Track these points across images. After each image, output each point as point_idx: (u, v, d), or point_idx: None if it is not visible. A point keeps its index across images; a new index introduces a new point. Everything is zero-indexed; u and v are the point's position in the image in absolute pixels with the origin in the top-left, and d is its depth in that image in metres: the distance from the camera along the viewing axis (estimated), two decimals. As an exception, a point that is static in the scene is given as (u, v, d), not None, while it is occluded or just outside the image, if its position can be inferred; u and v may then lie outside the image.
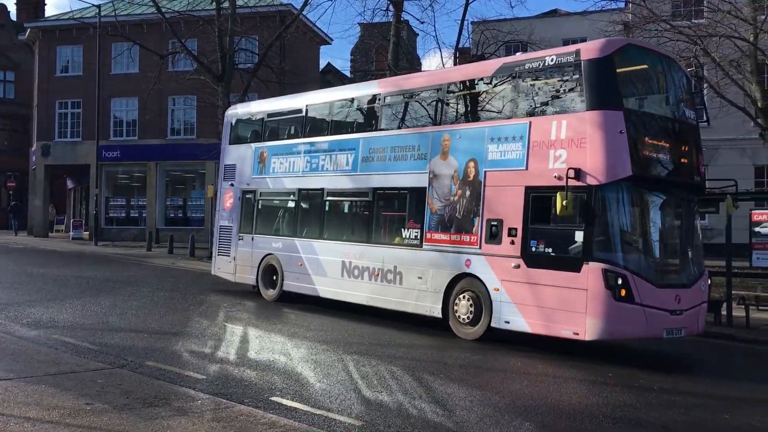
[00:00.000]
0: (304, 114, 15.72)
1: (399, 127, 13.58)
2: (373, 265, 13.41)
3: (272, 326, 12.71)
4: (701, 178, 11.40)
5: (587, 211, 10.21)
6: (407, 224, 12.97)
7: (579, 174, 10.20)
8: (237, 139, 17.75)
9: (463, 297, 11.76)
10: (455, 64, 23.34)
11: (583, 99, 10.42)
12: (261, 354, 10.29)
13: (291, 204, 15.85)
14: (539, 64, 11.15)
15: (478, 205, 11.69)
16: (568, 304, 10.22)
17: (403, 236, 12.97)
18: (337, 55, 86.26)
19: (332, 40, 40.52)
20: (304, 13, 30.01)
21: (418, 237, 12.65)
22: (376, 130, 13.92)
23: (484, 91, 12.11)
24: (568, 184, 10.14)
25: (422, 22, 68.14)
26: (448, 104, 12.67)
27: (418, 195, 12.82)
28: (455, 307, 11.88)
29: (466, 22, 27.35)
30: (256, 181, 16.62)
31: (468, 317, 11.66)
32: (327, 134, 15.03)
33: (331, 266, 14.30)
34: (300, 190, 15.44)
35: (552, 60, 10.96)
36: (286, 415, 6.90)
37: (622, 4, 24.12)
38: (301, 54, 36.92)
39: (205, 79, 28.16)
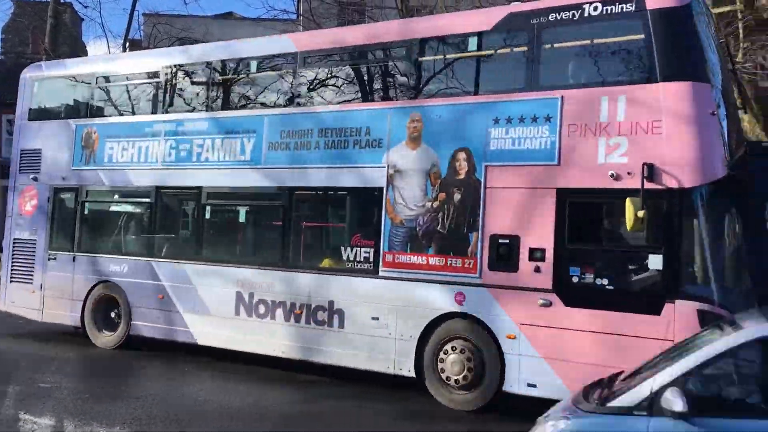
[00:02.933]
0: (162, 79, 10.98)
1: (331, 102, 9.51)
2: (292, 299, 9.27)
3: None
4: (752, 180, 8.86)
5: (669, 225, 7.13)
6: (351, 240, 8.99)
7: (653, 172, 7.09)
8: (43, 113, 12.34)
9: (454, 348, 8.14)
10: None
11: (653, 65, 7.30)
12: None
13: (143, 209, 10.99)
14: (571, 15, 7.82)
15: (474, 214, 8.12)
16: (640, 362, 7.04)
17: (345, 258, 8.97)
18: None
19: (-22, 14, 34.88)
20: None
21: (371, 259, 8.77)
22: (291, 105, 9.72)
23: (479, 52, 8.50)
24: (645, 186, 7.00)
25: (86, 7, 61.93)
26: (418, 69, 8.87)
27: (368, 199, 8.92)
28: (439, 364, 8.21)
29: (137, 13, 26.36)
30: (80, 175, 11.50)
31: (464, 378, 8.04)
32: (206, 109, 10.49)
33: (217, 300, 9.86)
34: (159, 188, 10.68)
35: (595, 10, 7.70)
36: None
37: (294, 16, 25.41)
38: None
39: None
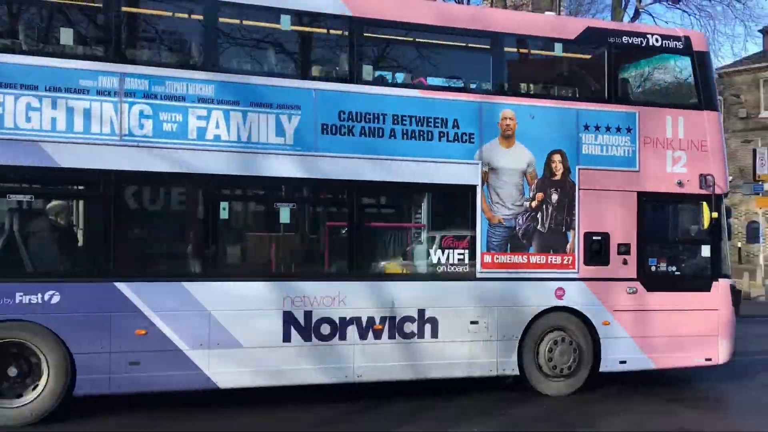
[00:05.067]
0: (114, 9, 7.22)
1: (401, 83, 8.16)
2: (369, 313, 7.89)
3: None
4: None
5: (716, 223, 9.25)
6: (441, 242, 8.19)
7: (708, 181, 9.12)
8: None
9: (555, 341, 8.57)
10: None
11: (699, 95, 9.18)
12: None
13: (87, 204, 7.13)
14: (641, 42, 8.99)
15: (571, 214, 8.66)
16: (697, 329, 9.10)
17: (435, 261, 8.15)
18: None
19: None
20: None
21: (466, 261, 8.26)
22: (350, 81, 7.92)
23: (562, 58, 8.73)
24: (715, 192, 8.99)
25: None
26: (504, 64, 8.48)
27: (459, 197, 8.30)
28: (547, 355, 8.53)
29: None
30: None
31: (569, 367, 8.62)
32: (204, 68, 7.46)
33: (252, 326, 7.50)
34: (106, 174, 7.15)
35: (657, 41, 9.06)
36: None
37: None
38: None
39: None
